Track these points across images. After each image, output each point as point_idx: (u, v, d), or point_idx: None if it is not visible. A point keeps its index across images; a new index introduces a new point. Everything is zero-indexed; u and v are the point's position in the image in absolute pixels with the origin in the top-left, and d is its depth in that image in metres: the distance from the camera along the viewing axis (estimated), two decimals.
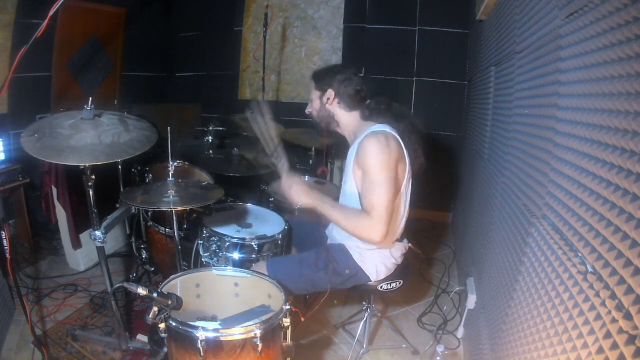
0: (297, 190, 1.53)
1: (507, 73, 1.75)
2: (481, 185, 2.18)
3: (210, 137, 2.63)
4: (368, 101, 1.63)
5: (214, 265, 1.74)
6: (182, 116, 3.79)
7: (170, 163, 1.67)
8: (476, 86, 2.83)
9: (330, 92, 1.58)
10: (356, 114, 1.61)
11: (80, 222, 2.40)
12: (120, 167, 2.29)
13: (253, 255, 1.76)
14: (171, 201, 1.57)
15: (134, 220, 2.34)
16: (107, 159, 1.39)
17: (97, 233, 1.61)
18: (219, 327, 1.24)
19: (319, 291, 1.61)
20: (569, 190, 0.93)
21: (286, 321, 1.24)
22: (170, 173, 1.67)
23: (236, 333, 1.16)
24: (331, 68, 1.64)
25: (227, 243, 1.74)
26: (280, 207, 2.19)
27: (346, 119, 1.62)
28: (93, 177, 1.54)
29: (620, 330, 0.64)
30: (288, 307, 1.25)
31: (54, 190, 2.39)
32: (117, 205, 1.91)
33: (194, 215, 2.06)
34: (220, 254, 1.76)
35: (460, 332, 2.06)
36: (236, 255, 1.75)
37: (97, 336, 1.91)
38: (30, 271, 2.46)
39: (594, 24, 0.85)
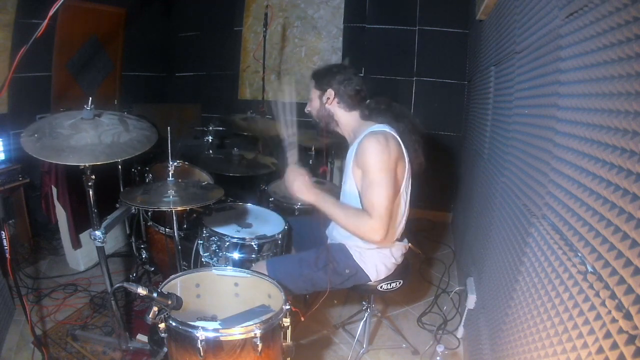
0: (300, 184, 1.52)
1: (507, 73, 1.75)
2: (481, 185, 2.18)
3: (210, 137, 2.63)
4: (368, 101, 1.63)
5: (214, 265, 1.74)
6: (182, 116, 3.80)
7: (170, 163, 1.67)
8: (476, 86, 2.83)
9: (330, 92, 1.58)
10: (356, 114, 1.61)
11: (80, 222, 2.40)
12: (120, 167, 2.29)
13: (253, 255, 1.76)
14: (171, 201, 1.57)
15: (134, 220, 2.34)
16: (107, 159, 1.39)
17: (97, 233, 1.61)
18: (219, 327, 1.24)
19: (319, 291, 1.61)
20: (569, 190, 0.93)
21: (286, 321, 1.24)
22: (170, 173, 1.66)
23: (236, 333, 1.16)
24: (331, 68, 1.63)
25: (227, 243, 1.74)
26: (280, 207, 2.19)
27: (346, 119, 1.62)
28: (93, 177, 1.54)
29: (620, 330, 0.64)
30: (288, 307, 1.25)
31: (54, 190, 2.39)
32: (117, 205, 1.91)
33: (194, 215, 2.06)
34: (220, 254, 1.76)
35: (460, 332, 2.06)
36: (236, 255, 1.75)
37: (97, 336, 1.91)
38: (30, 271, 2.46)
39: (594, 24, 0.85)
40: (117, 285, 1.34)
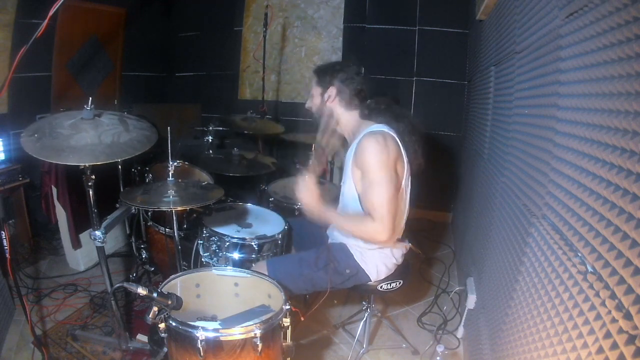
0: (309, 200, 1.51)
1: (507, 73, 1.75)
2: (481, 185, 2.18)
3: (210, 137, 2.63)
4: (368, 101, 1.63)
5: (214, 265, 1.74)
6: (182, 116, 3.80)
7: (170, 163, 1.67)
8: (476, 86, 2.83)
9: (332, 90, 1.57)
10: (355, 113, 1.61)
11: (80, 222, 2.40)
12: (120, 167, 2.29)
13: (253, 255, 1.76)
14: (171, 201, 1.57)
15: (134, 220, 2.34)
16: (107, 159, 1.39)
17: (97, 233, 1.61)
18: (219, 327, 1.24)
19: (319, 291, 1.61)
20: (569, 190, 0.93)
21: (286, 321, 1.24)
22: (170, 173, 1.67)
23: (236, 333, 1.16)
24: (334, 65, 1.63)
25: (227, 243, 1.74)
26: (280, 207, 2.19)
27: (346, 118, 1.62)
28: (93, 177, 1.54)
29: (620, 330, 0.64)
30: (288, 307, 1.25)
31: (54, 190, 2.39)
32: (117, 205, 1.91)
33: (194, 215, 2.06)
34: (220, 254, 1.76)
35: (460, 332, 2.06)
36: (236, 255, 1.75)
37: (97, 336, 1.91)
38: (30, 271, 2.46)
39: (594, 24, 0.85)
40: (117, 285, 1.34)
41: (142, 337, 1.85)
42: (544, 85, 1.19)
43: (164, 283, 1.35)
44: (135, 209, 2.06)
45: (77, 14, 3.07)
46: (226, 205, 2.08)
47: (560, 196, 0.98)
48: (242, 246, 1.75)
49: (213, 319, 1.40)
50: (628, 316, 0.63)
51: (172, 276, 1.39)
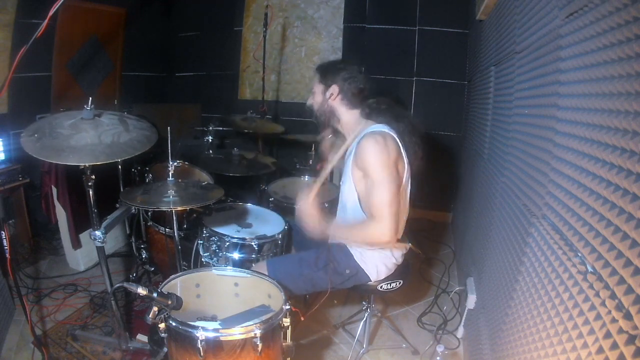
0: (311, 220, 1.52)
1: (507, 73, 1.75)
2: (481, 185, 2.18)
3: (210, 137, 2.63)
4: (370, 100, 1.63)
5: (214, 265, 1.74)
6: (182, 116, 3.80)
7: (170, 163, 1.67)
8: (476, 86, 2.83)
9: (335, 88, 1.57)
10: (356, 112, 1.61)
11: (80, 222, 2.40)
12: (120, 167, 2.29)
13: (253, 255, 1.76)
14: (171, 201, 1.57)
15: (134, 220, 2.34)
16: (107, 159, 1.38)
17: (97, 233, 1.61)
18: (219, 327, 1.24)
19: (319, 291, 1.61)
20: (569, 190, 0.93)
21: (286, 321, 1.25)
22: (170, 173, 1.67)
23: (236, 333, 1.16)
24: (337, 63, 1.63)
25: (227, 243, 1.74)
26: (280, 207, 2.19)
27: (346, 117, 1.62)
28: (93, 177, 1.54)
29: (620, 330, 0.64)
30: (288, 307, 1.25)
31: (54, 190, 2.39)
32: (117, 205, 1.91)
33: (194, 215, 2.06)
34: (220, 254, 1.76)
35: (460, 332, 2.06)
36: (236, 255, 1.75)
37: (97, 336, 1.91)
38: (30, 271, 2.46)
39: (594, 24, 0.85)
40: (117, 285, 1.34)
41: (142, 337, 1.85)
42: (544, 85, 1.19)
43: (164, 283, 1.35)
44: (135, 209, 2.06)
45: (77, 14, 3.07)
46: (226, 205, 2.08)
47: (560, 196, 0.98)
48: (242, 246, 1.75)
49: (213, 319, 1.40)
50: (628, 316, 0.63)
51: (172, 276, 1.39)
